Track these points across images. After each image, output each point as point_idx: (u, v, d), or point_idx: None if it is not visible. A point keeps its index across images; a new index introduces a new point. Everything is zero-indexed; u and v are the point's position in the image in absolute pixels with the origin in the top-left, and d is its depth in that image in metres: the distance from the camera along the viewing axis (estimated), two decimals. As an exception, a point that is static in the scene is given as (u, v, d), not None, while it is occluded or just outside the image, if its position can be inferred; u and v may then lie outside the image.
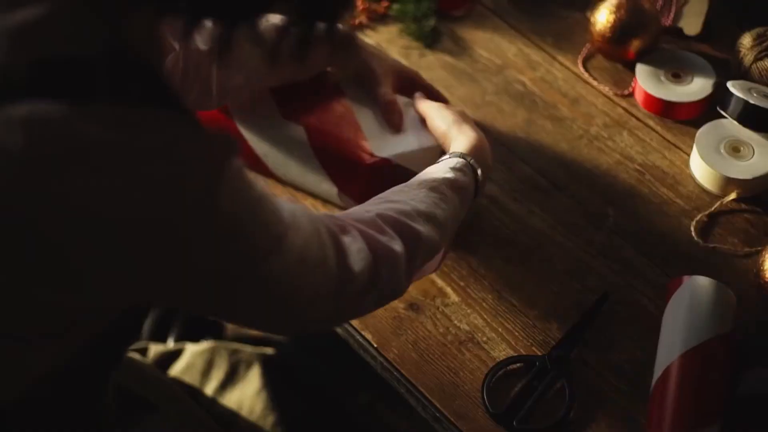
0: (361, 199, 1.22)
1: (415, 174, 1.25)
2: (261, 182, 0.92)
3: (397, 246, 1.10)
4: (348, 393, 1.61)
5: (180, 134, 0.84)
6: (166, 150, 0.82)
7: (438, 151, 1.34)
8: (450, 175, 1.22)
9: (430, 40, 1.63)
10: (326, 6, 0.89)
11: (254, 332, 1.60)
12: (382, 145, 1.35)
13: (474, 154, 1.27)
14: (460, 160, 1.25)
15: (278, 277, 0.95)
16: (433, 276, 1.37)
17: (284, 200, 0.97)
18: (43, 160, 0.79)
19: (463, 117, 1.35)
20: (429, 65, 1.60)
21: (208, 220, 0.85)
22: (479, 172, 1.26)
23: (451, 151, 1.28)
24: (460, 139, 1.30)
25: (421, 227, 1.13)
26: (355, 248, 1.05)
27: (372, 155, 1.34)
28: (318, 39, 0.90)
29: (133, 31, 0.86)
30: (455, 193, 1.21)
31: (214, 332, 1.67)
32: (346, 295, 1.05)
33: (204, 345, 1.52)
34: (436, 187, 1.20)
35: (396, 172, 1.33)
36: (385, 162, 1.34)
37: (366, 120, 1.37)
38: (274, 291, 0.97)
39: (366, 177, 1.35)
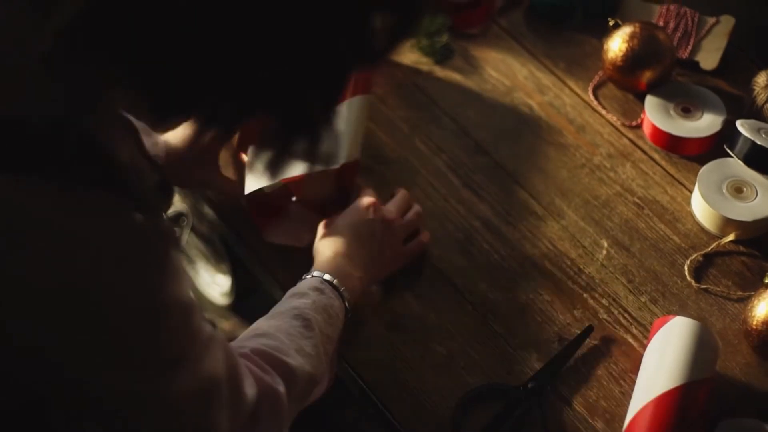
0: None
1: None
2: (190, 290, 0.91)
3: (281, 387, 1.07)
4: (335, 407, 1.59)
5: (118, 221, 0.82)
6: (101, 236, 0.80)
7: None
8: (311, 298, 1.21)
9: (442, 57, 1.61)
10: (307, 123, 0.85)
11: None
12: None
13: (335, 270, 1.26)
14: (319, 280, 1.24)
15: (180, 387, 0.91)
16: (417, 296, 1.35)
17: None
18: None
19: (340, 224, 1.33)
20: (437, 81, 1.58)
21: (131, 308, 0.83)
22: (342, 290, 1.24)
23: (312, 270, 1.27)
24: (322, 256, 1.29)
25: (296, 363, 1.11)
26: (247, 378, 1.03)
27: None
28: (296, 156, 0.87)
29: (89, 106, 0.82)
30: (319, 314, 1.19)
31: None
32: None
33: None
34: (300, 314, 1.18)
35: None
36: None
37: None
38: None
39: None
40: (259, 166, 1.32)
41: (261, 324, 1.17)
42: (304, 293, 1.21)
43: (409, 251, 1.37)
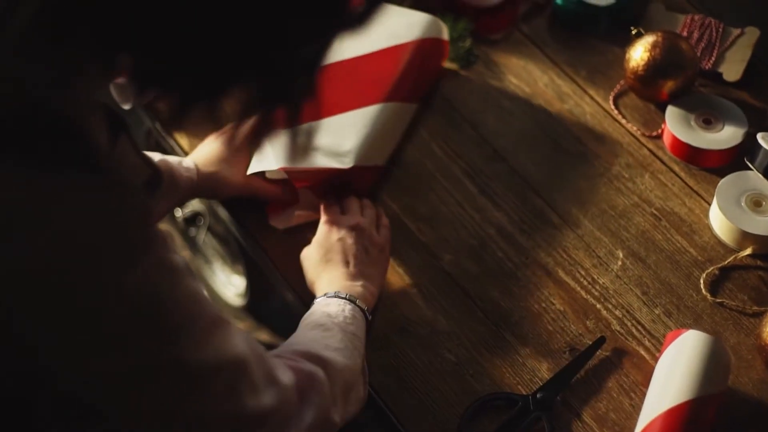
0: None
1: None
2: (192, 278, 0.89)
3: (319, 372, 1.08)
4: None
5: (96, 204, 0.80)
6: (73, 217, 0.79)
7: None
8: (321, 312, 1.21)
9: (465, 62, 1.60)
10: (287, 92, 0.86)
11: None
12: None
13: (339, 290, 1.26)
14: (323, 299, 1.25)
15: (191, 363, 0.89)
16: (428, 302, 1.34)
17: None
18: None
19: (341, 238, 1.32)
20: (457, 86, 1.57)
21: (121, 289, 0.81)
22: (347, 296, 1.25)
23: (332, 293, 1.26)
24: (320, 291, 1.28)
25: (329, 355, 1.12)
26: (281, 367, 1.03)
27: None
28: (278, 125, 0.87)
29: (61, 85, 0.81)
30: (335, 318, 1.20)
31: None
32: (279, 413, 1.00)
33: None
34: (316, 324, 1.18)
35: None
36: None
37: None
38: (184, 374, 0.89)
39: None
40: (264, 151, 1.32)
41: (288, 341, 1.17)
42: (311, 312, 1.22)
43: (386, 239, 1.36)
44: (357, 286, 1.27)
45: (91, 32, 0.77)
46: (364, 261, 1.30)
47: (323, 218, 1.35)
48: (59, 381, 0.82)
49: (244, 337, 0.95)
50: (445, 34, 1.54)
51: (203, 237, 1.83)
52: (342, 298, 1.24)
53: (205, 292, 0.90)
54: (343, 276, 1.28)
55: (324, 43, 0.83)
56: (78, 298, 0.79)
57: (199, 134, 1.49)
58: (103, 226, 0.79)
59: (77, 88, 0.82)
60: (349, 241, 1.31)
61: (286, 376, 1.02)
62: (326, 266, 1.30)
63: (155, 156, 1.32)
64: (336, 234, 1.32)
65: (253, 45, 0.79)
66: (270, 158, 1.36)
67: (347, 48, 1.47)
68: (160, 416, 0.88)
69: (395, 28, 1.50)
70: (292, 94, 0.86)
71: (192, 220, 1.81)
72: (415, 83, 1.50)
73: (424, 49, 1.50)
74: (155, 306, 0.83)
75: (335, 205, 1.38)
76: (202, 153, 1.41)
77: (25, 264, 0.77)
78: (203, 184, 1.37)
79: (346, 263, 1.29)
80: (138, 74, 0.82)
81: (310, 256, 1.33)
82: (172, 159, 1.34)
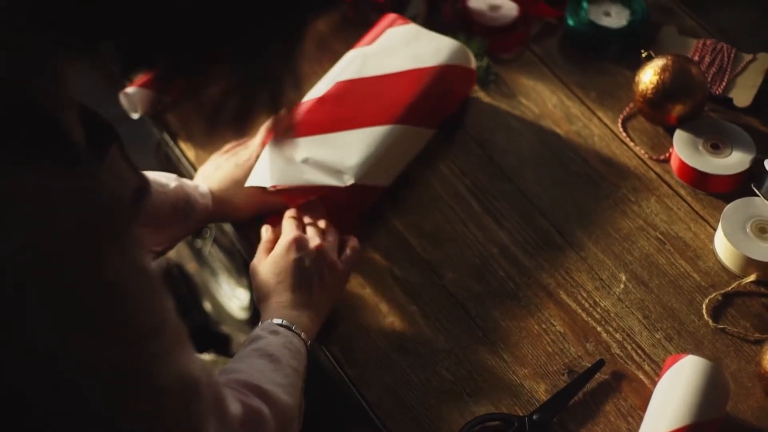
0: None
1: None
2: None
3: (264, 408, 1.05)
4: (338, 428, 1.57)
5: (70, 191, 0.78)
6: (41, 207, 0.77)
7: None
8: (268, 339, 1.19)
9: (484, 80, 1.60)
10: (268, 72, 0.84)
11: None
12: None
13: (283, 317, 1.24)
14: (269, 324, 1.22)
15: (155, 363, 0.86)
16: (428, 320, 1.34)
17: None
18: None
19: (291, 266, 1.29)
20: (466, 104, 1.57)
21: (89, 284, 0.79)
22: (294, 328, 1.23)
23: (280, 321, 1.24)
24: (265, 311, 1.27)
25: (273, 390, 1.09)
26: (230, 397, 1.00)
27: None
28: (260, 107, 0.85)
29: (35, 71, 0.80)
30: (282, 349, 1.18)
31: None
32: None
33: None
34: (264, 352, 1.16)
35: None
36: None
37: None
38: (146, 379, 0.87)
39: None
40: (262, 165, 1.31)
41: (226, 367, 1.14)
42: (260, 336, 1.19)
43: (349, 265, 1.34)
44: (303, 317, 1.24)
45: (66, 17, 0.75)
46: (315, 288, 1.28)
47: (284, 235, 1.32)
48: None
49: (198, 360, 0.93)
50: (472, 63, 1.54)
51: (209, 249, 1.83)
52: (290, 329, 1.21)
53: (175, 306, 0.88)
54: (291, 303, 1.25)
55: (301, 19, 0.83)
56: (43, 292, 0.77)
57: (206, 146, 1.50)
58: (73, 221, 0.78)
59: (53, 76, 0.81)
60: (306, 263, 1.28)
61: (233, 407, 0.99)
62: (276, 287, 1.27)
63: (172, 179, 1.32)
64: (293, 254, 1.29)
65: (231, 19, 0.79)
66: (266, 175, 1.36)
67: (369, 66, 1.47)
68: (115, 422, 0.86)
69: (421, 51, 1.49)
70: (273, 73, 0.84)
71: (198, 231, 1.81)
72: (433, 109, 1.49)
73: (448, 75, 1.50)
74: (123, 305, 0.82)
75: (299, 221, 1.36)
76: (216, 177, 1.40)
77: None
78: (217, 209, 1.38)
79: (297, 288, 1.27)
80: (118, 57, 0.81)
81: (261, 271, 1.30)
82: (188, 184, 1.34)
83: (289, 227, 1.34)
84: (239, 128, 0.85)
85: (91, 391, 0.83)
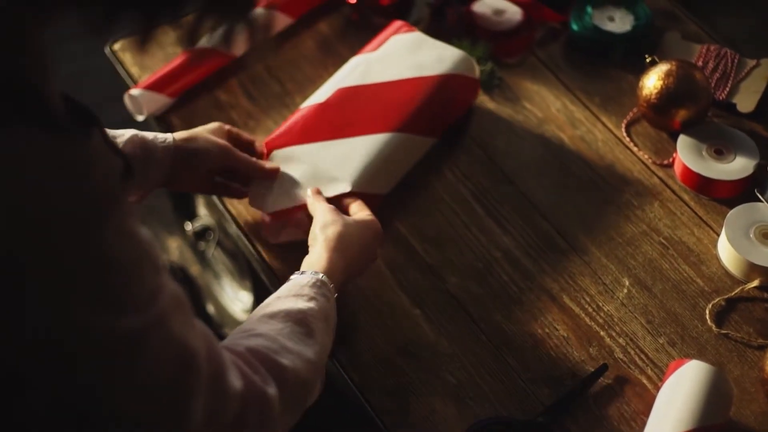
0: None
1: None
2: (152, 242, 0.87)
3: (271, 389, 1.02)
4: (340, 430, 1.57)
5: (61, 156, 0.78)
6: (33, 176, 0.77)
7: None
8: (317, 304, 1.17)
9: (489, 84, 1.60)
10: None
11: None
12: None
13: (329, 271, 1.22)
14: (319, 281, 1.20)
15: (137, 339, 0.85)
16: (431, 323, 1.34)
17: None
18: None
19: (337, 227, 1.28)
20: (469, 109, 1.57)
21: (83, 252, 0.80)
22: (334, 295, 1.22)
23: (308, 267, 1.23)
24: (316, 254, 1.25)
25: (291, 365, 1.07)
26: (233, 370, 0.98)
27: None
28: (238, 28, 0.87)
29: (9, 33, 0.80)
30: (321, 323, 1.16)
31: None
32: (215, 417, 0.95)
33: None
34: (303, 320, 1.14)
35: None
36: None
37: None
38: (124, 355, 0.86)
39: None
40: (260, 188, 1.31)
41: (256, 324, 1.12)
42: (309, 296, 1.17)
43: (376, 249, 1.34)
44: (338, 278, 1.23)
45: None
46: (358, 259, 1.28)
47: (321, 208, 1.32)
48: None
49: (201, 330, 0.93)
50: (477, 72, 1.54)
51: (212, 251, 1.83)
52: (327, 287, 1.20)
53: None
54: (339, 263, 1.24)
55: None
56: (36, 260, 0.77)
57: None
58: (66, 187, 0.78)
59: (32, 38, 0.81)
60: (374, 229, 1.30)
61: (235, 383, 0.97)
62: (325, 246, 1.26)
63: (128, 132, 1.30)
64: (365, 212, 1.32)
65: None
66: (268, 203, 1.38)
67: (372, 73, 1.48)
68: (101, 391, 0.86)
69: (425, 60, 1.49)
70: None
71: (202, 234, 1.82)
72: (435, 117, 1.50)
73: (451, 84, 1.50)
74: (116, 273, 0.82)
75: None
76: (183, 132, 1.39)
77: None
78: (181, 155, 1.33)
79: (351, 252, 1.26)
80: (103, 7, 0.81)
81: (325, 217, 1.29)
82: (146, 133, 1.32)
83: (321, 205, 1.33)
84: (226, 46, 0.87)
85: (83, 362, 0.83)
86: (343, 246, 1.26)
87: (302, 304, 1.15)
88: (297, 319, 1.13)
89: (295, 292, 1.17)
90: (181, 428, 0.92)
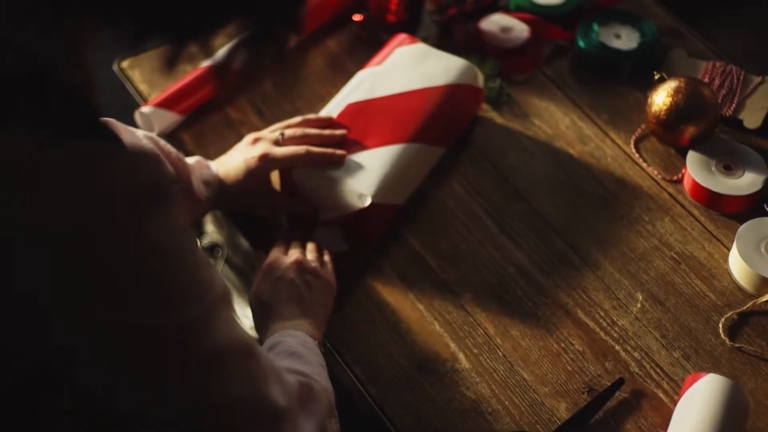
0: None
1: None
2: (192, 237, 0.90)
3: (314, 383, 1.09)
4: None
5: (103, 160, 0.80)
6: (89, 173, 0.79)
7: None
8: (285, 341, 1.19)
9: (498, 101, 1.61)
10: (273, 26, 0.88)
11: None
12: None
13: (288, 329, 1.24)
14: (306, 336, 1.23)
15: (194, 334, 0.87)
16: (448, 339, 1.35)
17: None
18: None
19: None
20: (480, 125, 1.59)
21: (132, 247, 0.81)
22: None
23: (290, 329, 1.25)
24: (270, 331, 1.26)
25: (314, 376, 1.12)
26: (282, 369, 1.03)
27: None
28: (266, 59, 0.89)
29: (64, 51, 0.83)
30: (302, 347, 1.19)
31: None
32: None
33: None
34: (288, 352, 1.17)
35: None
36: None
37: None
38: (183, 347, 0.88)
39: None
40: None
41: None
42: (279, 342, 1.20)
43: (329, 270, 1.36)
44: (304, 324, 1.26)
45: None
46: (305, 296, 1.30)
47: (267, 259, 1.35)
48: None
49: (245, 329, 0.95)
50: (481, 82, 1.55)
51: (220, 268, 1.83)
52: (301, 332, 1.23)
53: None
54: (288, 316, 1.27)
55: None
56: (90, 257, 0.79)
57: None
58: (117, 187, 0.80)
59: (81, 54, 0.84)
60: (289, 276, 1.31)
61: (289, 377, 1.01)
62: (270, 308, 1.28)
63: (173, 152, 1.35)
64: (276, 273, 1.32)
65: None
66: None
67: (379, 86, 1.49)
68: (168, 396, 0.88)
69: (430, 71, 1.51)
70: (278, 28, 0.88)
71: (209, 251, 1.82)
72: (444, 127, 1.51)
73: (458, 94, 1.52)
74: (167, 265, 0.84)
75: (281, 246, 1.38)
76: (225, 167, 1.43)
77: (38, 224, 0.77)
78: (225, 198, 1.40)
79: (289, 301, 1.29)
80: (135, 27, 0.84)
81: (253, 298, 1.32)
82: (191, 163, 1.37)
83: (271, 252, 1.37)
84: (247, 76, 0.90)
85: (134, 357, 0.85)
86: (282, 309, 1.29)
87: (274, 350, 1.19)
88: (286, 354, 1.17)
89: (266, 347, 1.21)
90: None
